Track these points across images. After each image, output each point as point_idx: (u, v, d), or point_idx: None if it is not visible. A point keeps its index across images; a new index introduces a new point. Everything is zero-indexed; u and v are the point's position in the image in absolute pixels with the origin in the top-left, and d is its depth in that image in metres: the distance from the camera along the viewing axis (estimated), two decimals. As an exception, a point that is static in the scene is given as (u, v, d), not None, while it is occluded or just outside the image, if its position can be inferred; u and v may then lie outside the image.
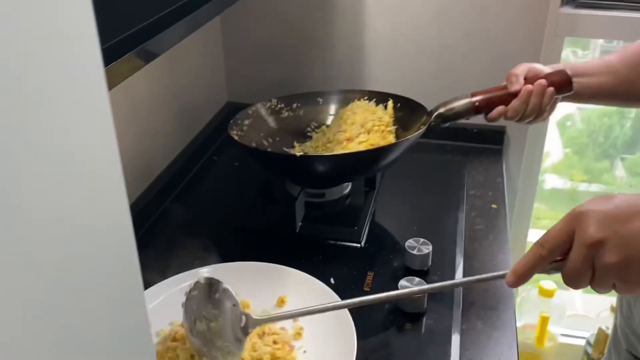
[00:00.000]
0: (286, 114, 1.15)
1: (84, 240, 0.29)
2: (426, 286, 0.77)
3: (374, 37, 1.30)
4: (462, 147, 1.29)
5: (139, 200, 1.06)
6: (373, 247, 0.99)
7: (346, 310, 0.78)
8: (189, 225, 1.06)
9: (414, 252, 0.90)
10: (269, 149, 1.08)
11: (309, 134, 1.14)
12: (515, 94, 0.90)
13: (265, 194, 1.12)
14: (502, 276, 0.60)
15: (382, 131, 1.01)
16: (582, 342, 1.59)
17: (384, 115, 1.04)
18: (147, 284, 0.82)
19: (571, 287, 0.57)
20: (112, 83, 0.50)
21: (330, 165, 0.97)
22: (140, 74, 1.01)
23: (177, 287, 0.84)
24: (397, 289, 0.83)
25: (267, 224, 1.03)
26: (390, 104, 1.06)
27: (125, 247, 0.32)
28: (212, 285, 0.69)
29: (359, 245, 0.98)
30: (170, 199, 1.12)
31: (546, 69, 0.92)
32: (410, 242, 0.92)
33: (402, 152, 0.97)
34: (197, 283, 0.69)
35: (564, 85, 0.89)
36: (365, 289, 0.89)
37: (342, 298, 0.80)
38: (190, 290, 0.70)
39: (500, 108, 0.91)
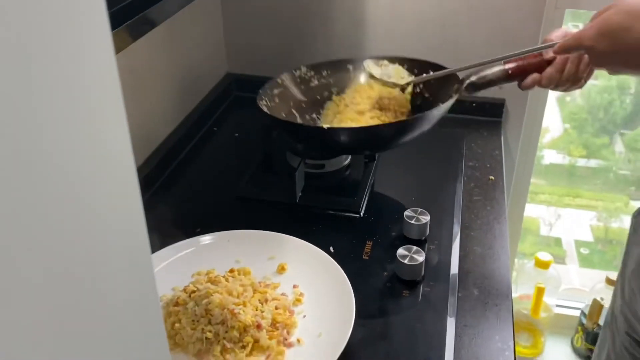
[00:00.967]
0: (316, 82, 1.12)
1: (97, 207, 0.30)
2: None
3: (375, 10, 1.29)
4: (461, 120, 1.29)
5: (139, 170, 1.07)
6: (372, 217, 1.00)
7: (345, 277, 0.79)
8: (190, 195, 1.07)
9: (412, 221, 0.91)
10: (299, 121, 1.05)
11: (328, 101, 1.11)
12: (550, 61, 0.86)
13: (265, 165, 1.12)
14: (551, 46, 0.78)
15: (395, 111, 1.01)
16: (577, 313, 1.61)
17: (400, 96, 1.02)
18: (149, 251, 0.83)
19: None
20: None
21: (357, 137, 0.95)
22: (139, 44, 1.02)
23: (178, 254, 0.85)
24: (395, 257, 0.84)
25: (268, 194, 1.04)
26: (409, 89, 1.03)
27: (134, 211, 0.33)
28: None
29: (358, 215, 1.00)
30: (170, 169, 1.13)
31: None
32: (408, 212, 0.93)
33: (434, 122, 0.94)
34: None
35: None
36: (364, 257, 0.90)
37: (341, 266, 0.82)
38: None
39: (535, 76, 0.87)
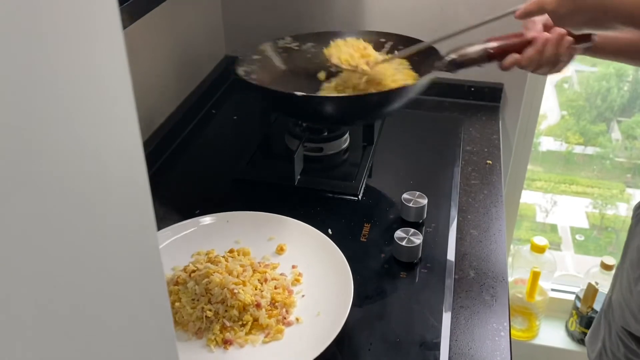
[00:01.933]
0: (298, 53, 1.12)
1: (105, 185, 0.30)
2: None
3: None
4: (459, 104, 1.30)
5: (139, 152, 1.07)
6: (370, 200, 1.00)
7: (343, 258, 0.80)
8: (189, 177, 1.08)
9: (410, 204, 0.92)
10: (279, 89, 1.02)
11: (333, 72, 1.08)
12: (531, 42, 0.85)
13: (264, 148, 1.13)
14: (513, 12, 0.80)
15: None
16: (572, 297, 1.63)
17: (376, 54, 1.01)
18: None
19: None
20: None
21: (338, 106, 0.95)
22: (138, 25, 1.01)
23: (178, 234, 0.86)
24: (393, 240, 0.85)
25: (266, 176, 1.05)
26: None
27: (140, 186, 0.34)
28: None
29: (356, 198, 1.00)
30: (169, 151, 1.13)
31: None
32: (406, 195, 0.94)
33: (411, 95, 0.95)
34: None
35: (583, 36, 0.84)
36: (362, 239, 0.91)
37: (340, 248, 0.83)
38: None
39: (515, 56, 0.85)
